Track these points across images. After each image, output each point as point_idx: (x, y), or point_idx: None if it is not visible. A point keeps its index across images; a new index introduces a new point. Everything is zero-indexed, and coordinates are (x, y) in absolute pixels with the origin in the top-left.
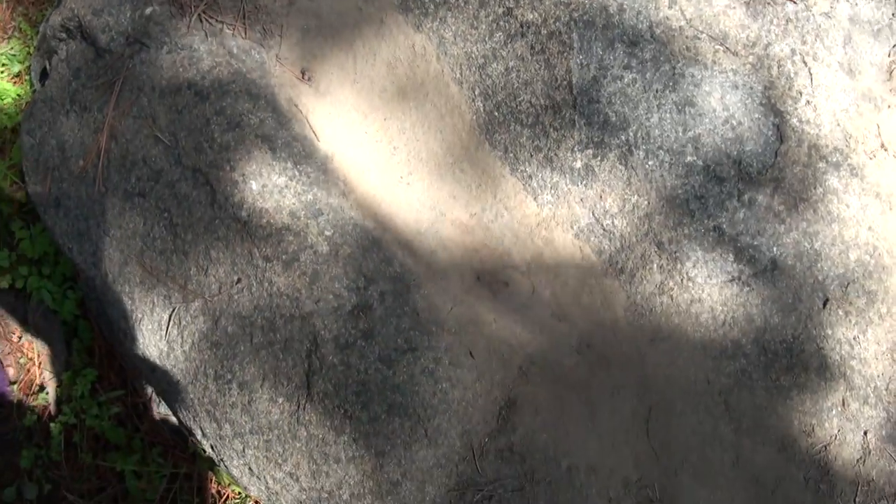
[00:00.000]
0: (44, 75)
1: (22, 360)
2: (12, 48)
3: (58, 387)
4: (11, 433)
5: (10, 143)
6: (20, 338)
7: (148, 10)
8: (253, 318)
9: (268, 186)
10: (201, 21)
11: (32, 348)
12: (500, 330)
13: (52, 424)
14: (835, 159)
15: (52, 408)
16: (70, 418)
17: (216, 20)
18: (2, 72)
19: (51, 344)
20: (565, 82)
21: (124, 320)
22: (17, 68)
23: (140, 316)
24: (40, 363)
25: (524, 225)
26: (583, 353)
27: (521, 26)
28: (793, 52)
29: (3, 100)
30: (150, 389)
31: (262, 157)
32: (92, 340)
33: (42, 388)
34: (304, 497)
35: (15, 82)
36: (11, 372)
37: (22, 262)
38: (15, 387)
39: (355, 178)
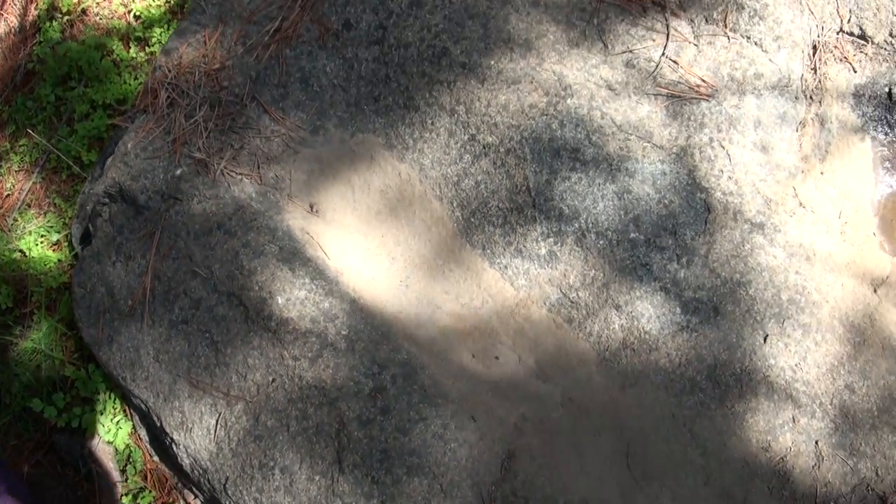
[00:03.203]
0: (84, 238)
1: (80, 493)
2: (48, 221)
3: None
4: None
5: (55, 301)
6: (77, 472)
7: (178, 171)
8: (288, 411)
9: (291, 300)
10: (224, 175)
11: (91, 479)
12: (495, 396)
13: None
14: (759, 220)
15: None
16: None
17: (236, 172)
18: (42, 241)
19: (107, 473)
20: (524, 187)
21: (177, 432)
22: (55, 237)
23: (190, 426)
24: (98, 492)
25: (506, 307)
26: (566, 405)
27: (484, 147)
28: (711, 139)
29: (46, 265)
30: (199, 501)
31: (284, 277)
32: (144, 465)
33: None
34: None
35: (54, 249)
36: None
37: (75, 403)
38: None
39: (363, 287)
